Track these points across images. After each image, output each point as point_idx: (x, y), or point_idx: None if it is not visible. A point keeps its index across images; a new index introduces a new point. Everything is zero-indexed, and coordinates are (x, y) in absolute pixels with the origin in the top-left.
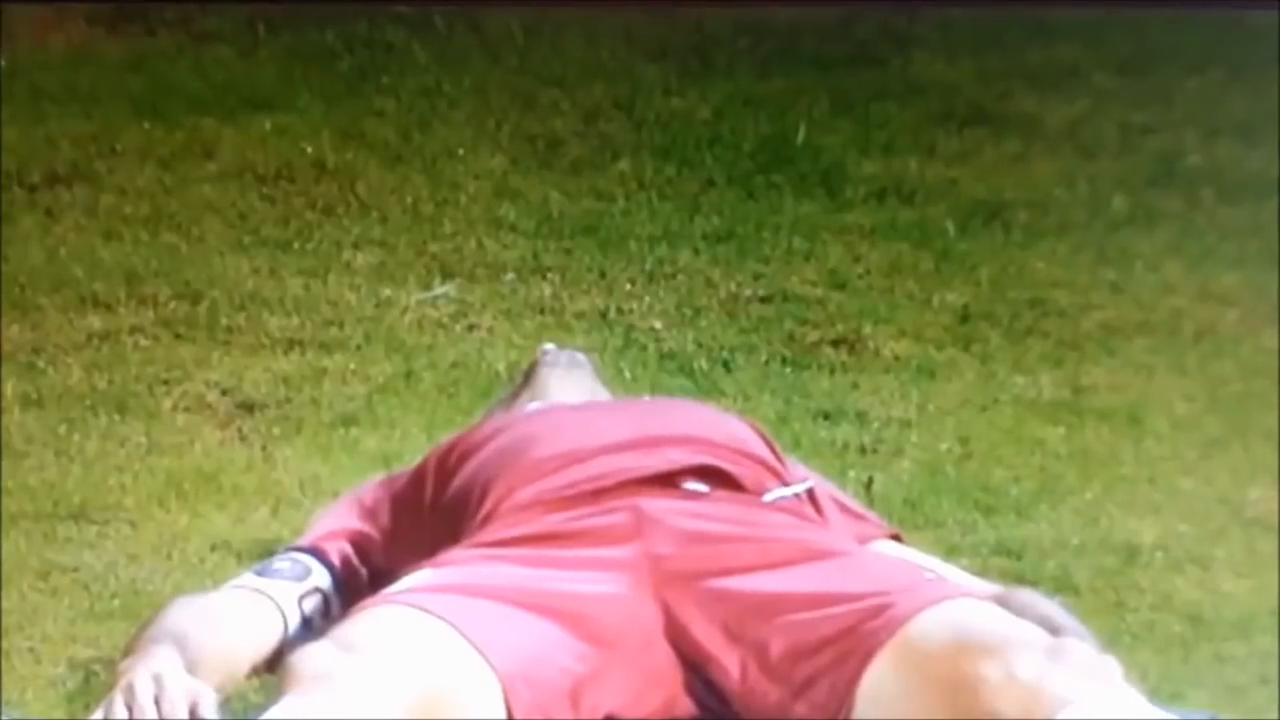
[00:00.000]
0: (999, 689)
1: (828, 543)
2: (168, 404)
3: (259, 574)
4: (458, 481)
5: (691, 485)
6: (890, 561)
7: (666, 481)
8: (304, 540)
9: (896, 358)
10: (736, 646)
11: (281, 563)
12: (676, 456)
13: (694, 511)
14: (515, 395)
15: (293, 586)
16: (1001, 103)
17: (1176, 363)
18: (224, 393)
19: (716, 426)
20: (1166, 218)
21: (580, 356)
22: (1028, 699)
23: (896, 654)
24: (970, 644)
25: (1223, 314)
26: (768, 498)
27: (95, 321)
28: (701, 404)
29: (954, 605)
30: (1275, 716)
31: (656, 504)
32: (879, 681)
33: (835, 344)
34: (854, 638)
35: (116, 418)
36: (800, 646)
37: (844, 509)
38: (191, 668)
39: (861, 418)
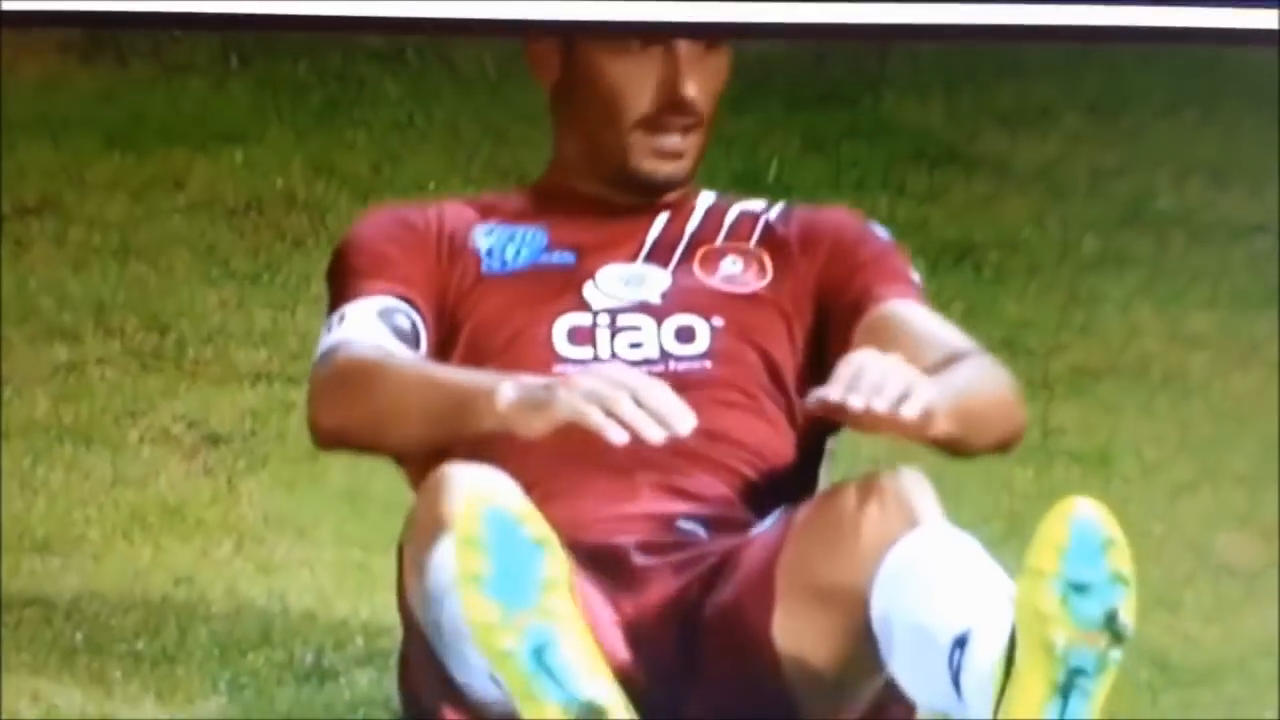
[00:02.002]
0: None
1: None
2: (133, 436)
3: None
4: None
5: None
6: None
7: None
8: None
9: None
10: None
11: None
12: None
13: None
14: None
15: None
16: (972, 143)
17: (1146, 405)
18: (190, 425)
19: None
20: (1137, 260)
21: None
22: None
23: None
24: None
25: (1193, 357)
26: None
27: (62, 352)
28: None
29: None
30: None
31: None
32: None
33: None
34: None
35: (82, 449)
36: None
37: None
38: None
39: (829, 456)
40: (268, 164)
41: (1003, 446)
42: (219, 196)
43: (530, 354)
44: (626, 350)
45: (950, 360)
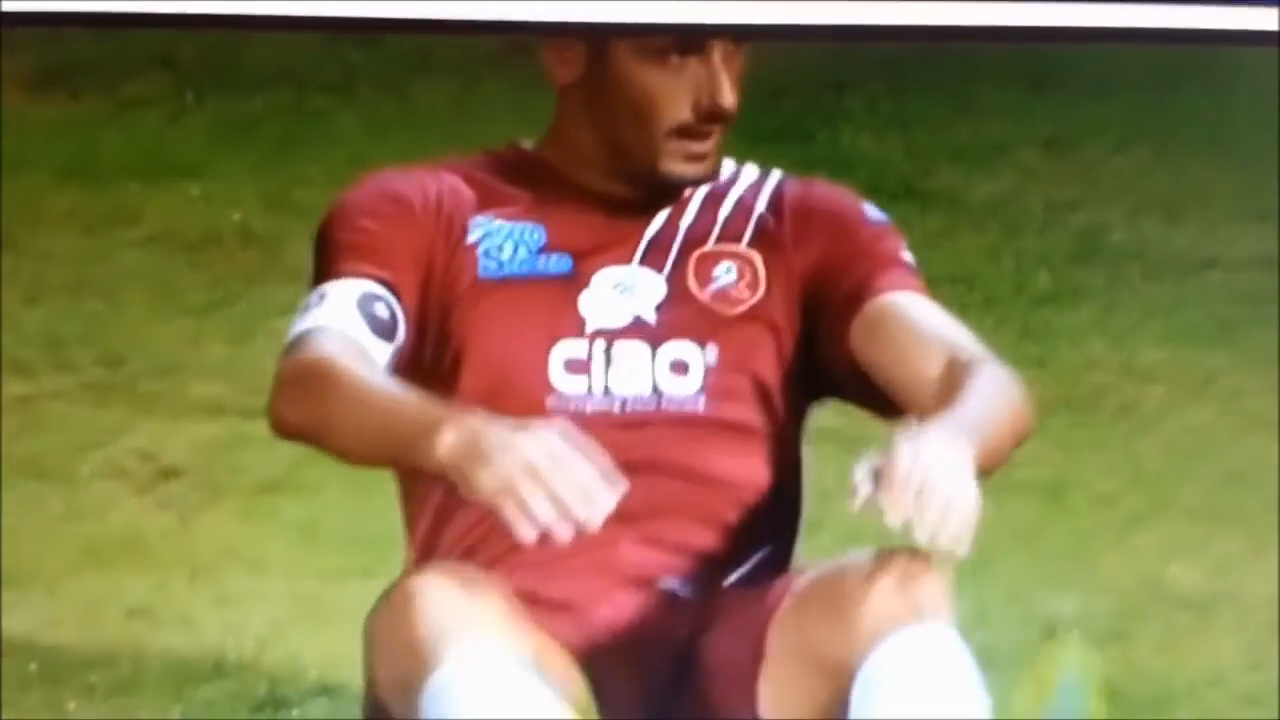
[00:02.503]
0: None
1: None
2: (87, 470)
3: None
4: None
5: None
6: None
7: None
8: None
9: (820, 429)
10: None
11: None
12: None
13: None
14: None
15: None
16: (927, 178)
17: (1099, 439)
18: (144, 459)
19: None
20: (1090, 294)
21: None
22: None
23: None
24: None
25: (1146, 391)
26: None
27: (16, 386)
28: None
29: None
30: None
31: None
32: None
33: None
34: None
35: (36, 483)
36: None
37: None
38: None
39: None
40: (223, 198)
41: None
42: (174, 231)
43: (525, 384)
44: (620, 382)
45: (954, 368)
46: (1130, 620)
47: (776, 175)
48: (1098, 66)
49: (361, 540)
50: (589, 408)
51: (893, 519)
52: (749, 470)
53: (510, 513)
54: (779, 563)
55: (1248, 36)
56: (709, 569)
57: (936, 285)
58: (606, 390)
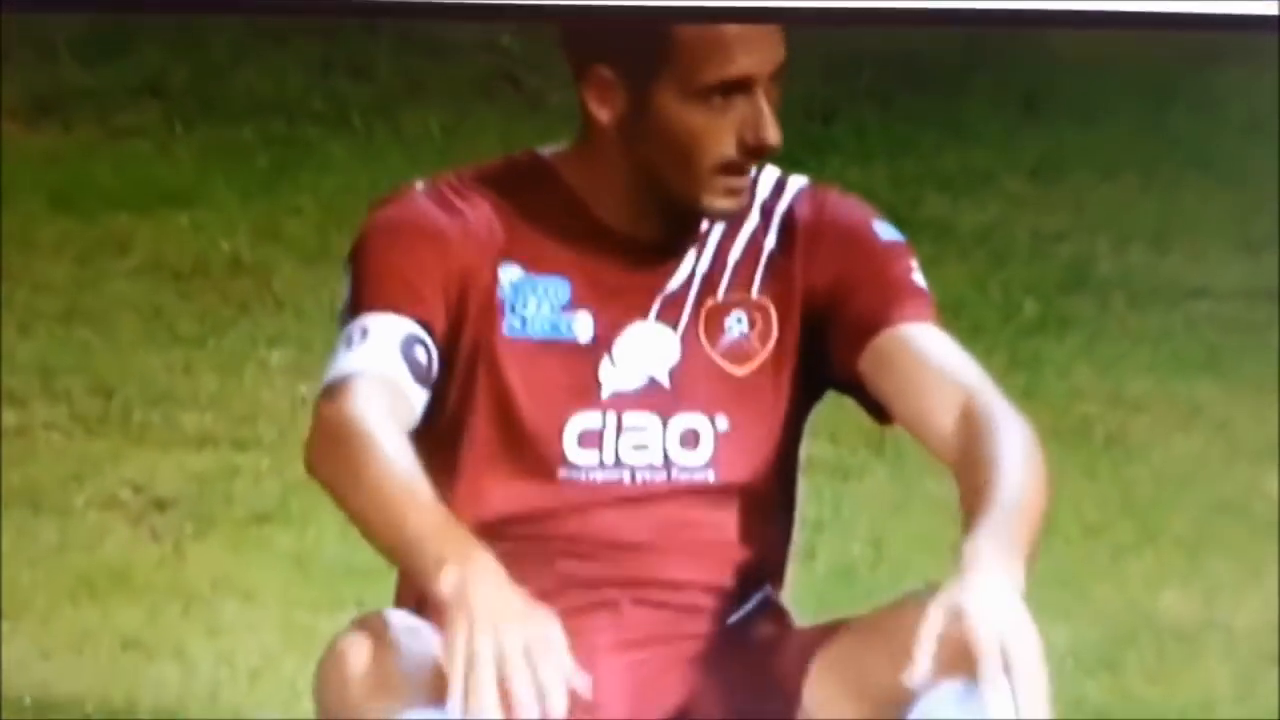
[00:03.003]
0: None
1: None
2: (80, 500)
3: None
4: None
5: None
6: None
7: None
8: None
9: (810, 459)
10: None
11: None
12: None
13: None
14: None
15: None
16: (914, 208)
17: (1088, 468)
18: (136, 489)
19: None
20: (1077, 323)
21: None
22: None
23: None
24: None
25: (1134, 420)
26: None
27: (9, 417)
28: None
29: None
30: None
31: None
32: None
33: None
34: None
35: (29, 514)
36: None
37: None
38: None
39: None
40: (213, 228)
41: None
42: (164, 260)
43: (539, 454)
44: (632, 454)
45: (971, 421)
46: (1121, 649)
47: (791, 191)
48: (1084, 94)
49: (354, 571)
50: (599, 478)
51: (994, 710)
52: (757, 528)
53: (454, 683)
54: (776, 598)
55: (1247, 22)
56: (711, 618)
57: None
58: (617, 461)
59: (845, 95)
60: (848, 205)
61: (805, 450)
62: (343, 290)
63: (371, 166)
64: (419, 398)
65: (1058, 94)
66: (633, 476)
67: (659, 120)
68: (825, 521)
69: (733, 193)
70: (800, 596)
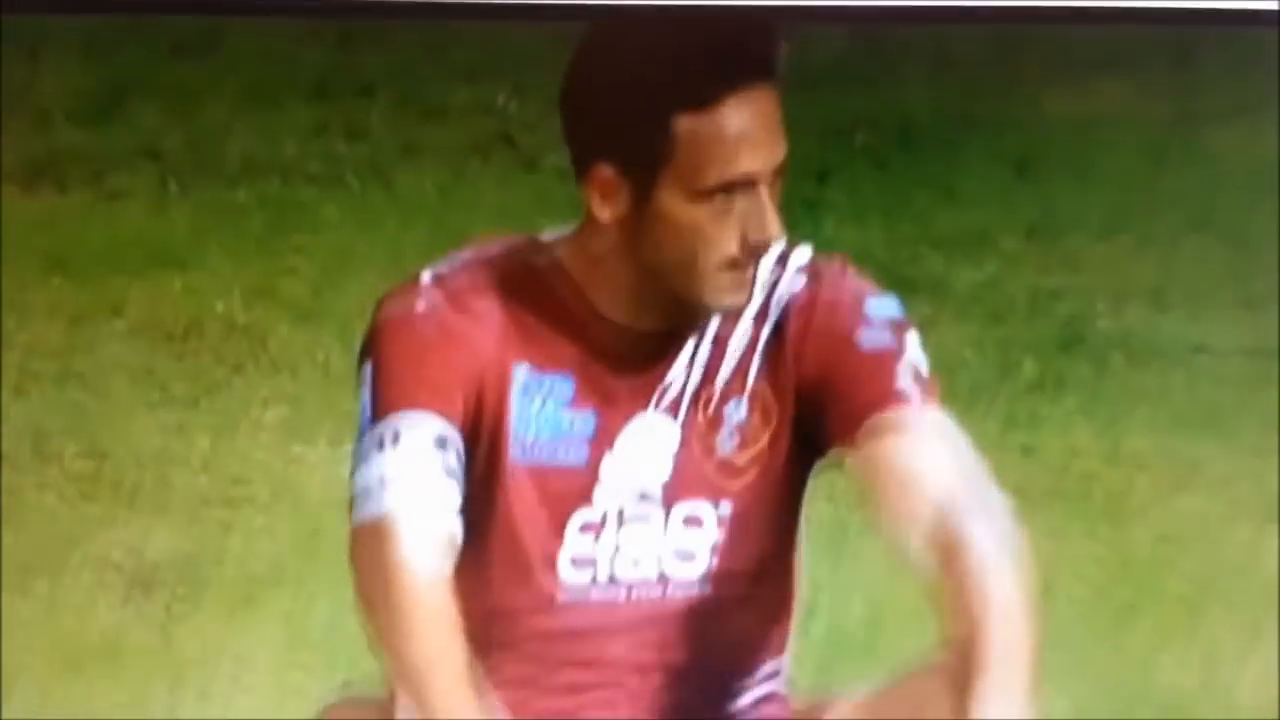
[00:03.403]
0: None
1: None
2: (73, 563)
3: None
4: None
5: None
6: None
7: None
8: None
9: (808, 518)
10: None
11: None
12: None
13: None
14: None
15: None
16: (911, 266)
17: (1088, 528)
18: (129, 551)
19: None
20: (1076, 382)
21: None
22: None
23: None
24: None
25: (1134, 479)
26: None
27: (3, 479)
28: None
29: None
30: None
31: None
32: None
33: None
34: None
35: (22, 579)
36: None
37: None
38: None
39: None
40: (207, 289)
41: None
42: (158, 322)
43: (538, 580)
44: (627, 569)
45: (951, 554)
46: (1122, 711)
47: (791, 272)
48: (1079, 153)
49: (347, 636)
50: (595, 597)
51: None
52: (759, 609)
53: None
54: (779, 683)
55: (1249, 17)
56: (715, 702)
57: None
58: (612, 578)
59: (839, 155)
60: (840, 297)
61: (803, 510)
62: (361, 387)
63: (367, 228)
64: (455, 497)
65: (1052, 153)
66: (629, 594)
67: (662, 219)
68: (823, 581)
69: (737, 288)
70: (800, 656)
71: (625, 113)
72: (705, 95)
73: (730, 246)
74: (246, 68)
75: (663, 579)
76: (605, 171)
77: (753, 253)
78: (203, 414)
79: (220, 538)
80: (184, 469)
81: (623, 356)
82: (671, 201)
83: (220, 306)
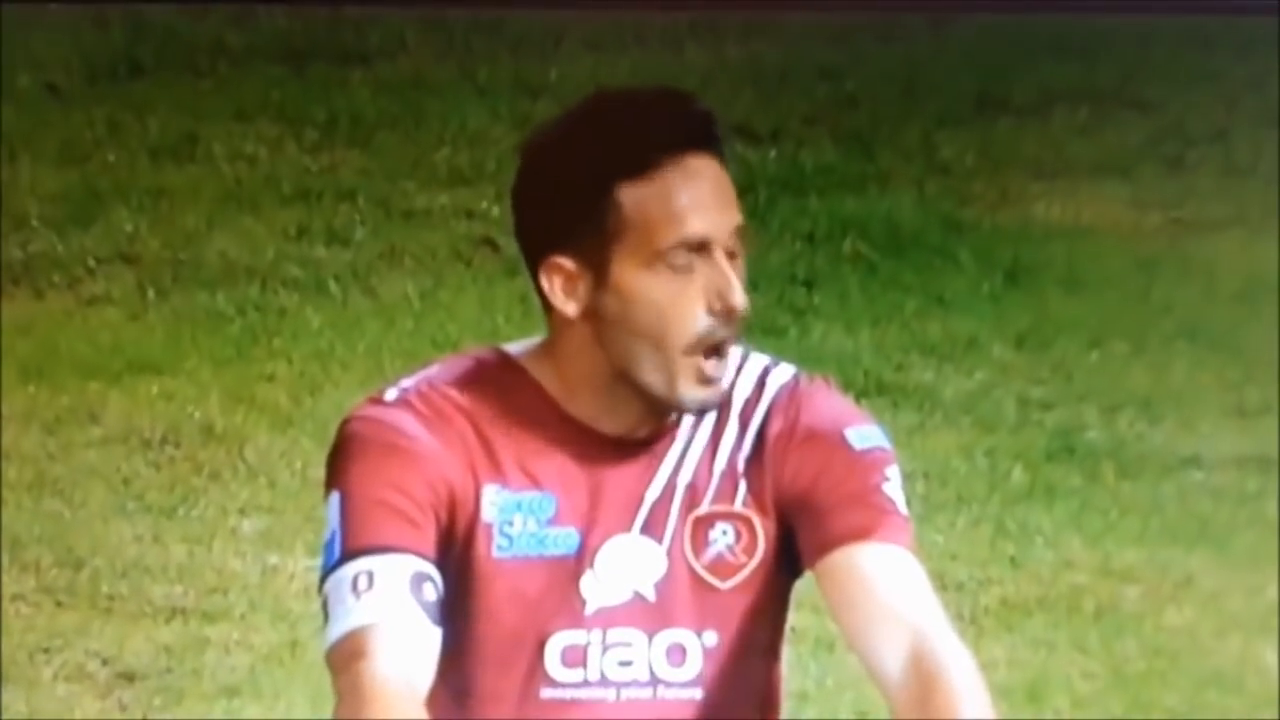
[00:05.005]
0: None
1: None
2: (48, 673)
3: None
4: None
5: None
6: None
7: None
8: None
9: (793, 630)
10: None
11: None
12: None
13: None
14: None
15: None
16: (899, 374)
17: (1077, 640)
18: (105, 662)
19: None
20: (1066, 493)
21: None
22: None
23: None
24: None
25: (1124, 591)
26: None
27: None
28: None
29: None
30: None
31: None
32: None
33: None
34: None
35: None
36: None
37: None
38: None
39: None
40: (185, 395)
41: None
42: (135, 429)
43: (522, 674)
44: (616, 670)
45: (927, 686)
46: None
47: (771, 392)
48: (1069, 262)
49: None
50: (584, 696)
51: None
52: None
53: None
54: None
55: (1247, 5)
56: None
57: (909, 482)
58: (602, 678)
59: (828, 261)
60: (822, 412)
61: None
62: (329, 512)
63: (348, 333)
64: (435, 639)
65: (1043, 261)
66: (618, 694)
67: (624, 297)
68: (809, 693)
69: (708, 382)
70: None
71: (568, 194)
72: (643, 162)
73: (697, 320)
74: (225, 170)
75: (654, 680)
76: (562, 262)
77: (721, 320)
78: (179, 522)
79: (197, 648)
80: (159, 578)
81: (601, 467)
82: (630, 276)
83: (198, 413)
